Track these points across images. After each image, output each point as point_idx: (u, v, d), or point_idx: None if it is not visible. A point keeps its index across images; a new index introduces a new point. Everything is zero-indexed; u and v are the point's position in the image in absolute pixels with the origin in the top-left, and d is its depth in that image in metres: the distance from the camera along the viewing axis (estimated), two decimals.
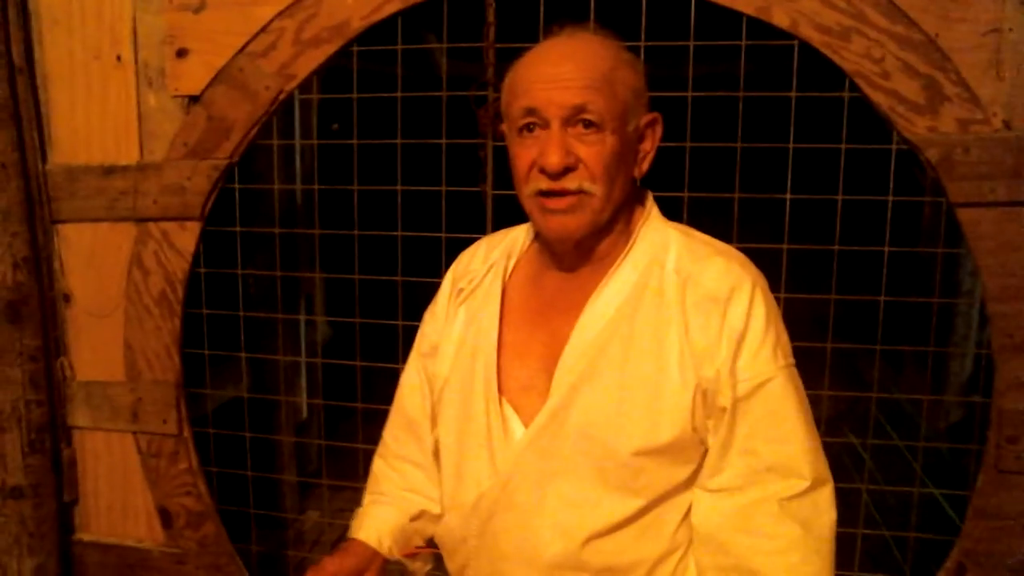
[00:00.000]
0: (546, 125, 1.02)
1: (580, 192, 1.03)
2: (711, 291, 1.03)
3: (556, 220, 1.05)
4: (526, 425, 1.08)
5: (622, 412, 1.03)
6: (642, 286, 1.07)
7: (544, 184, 1.03)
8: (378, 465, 1.32)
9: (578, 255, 1.11)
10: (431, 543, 1.26)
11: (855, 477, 2.04)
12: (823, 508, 1.03)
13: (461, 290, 1.21)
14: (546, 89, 1.01)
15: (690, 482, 1.06)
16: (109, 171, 1.80)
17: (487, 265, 1.21)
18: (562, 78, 1.01)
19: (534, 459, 1.06)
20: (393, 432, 1.31)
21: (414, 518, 1.25)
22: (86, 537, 1.99)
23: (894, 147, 1.56)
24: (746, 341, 1.02)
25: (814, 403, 1.26)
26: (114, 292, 1.85)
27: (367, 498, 1.30)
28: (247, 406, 2.06)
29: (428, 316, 1.28)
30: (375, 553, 1.19)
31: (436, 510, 1.24)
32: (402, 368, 1.32)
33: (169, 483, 1.90)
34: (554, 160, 1.00)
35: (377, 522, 1.22)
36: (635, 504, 1.04)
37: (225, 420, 2.06)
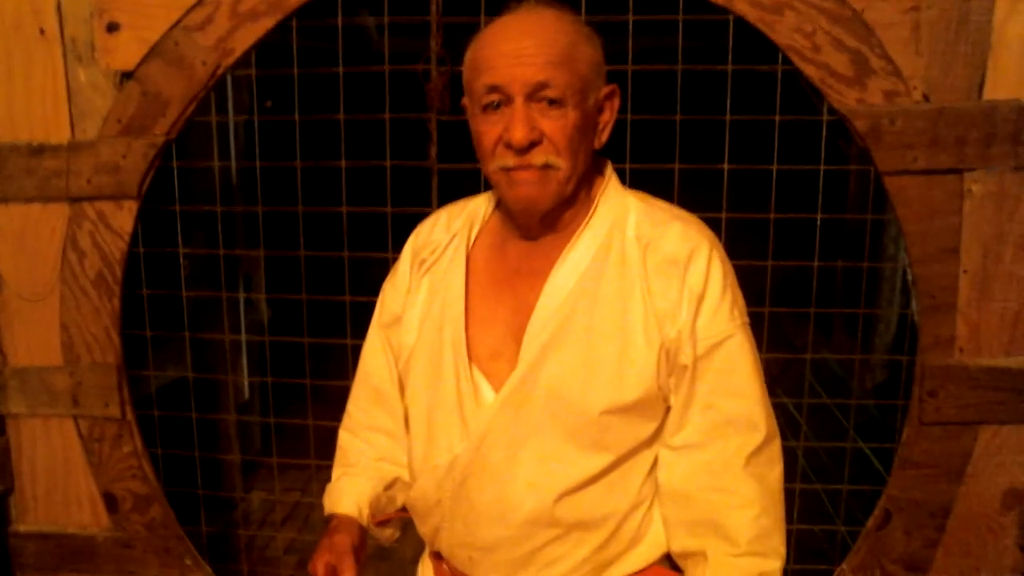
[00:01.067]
0: (509, 101, 1.04)
1: (546, 167, 1.05)
2: (671, 255, 1.08)
3: (524, 190, 1.07)
4: (496, 390, 1.11)
5: (590, 373, 1.07)
6: (605, 252, 1.11)
7: (511, 160, 1.05)
8: (345, 438, 1.32)
9: (542, 224, 1.13)
10: (403, 510, 1.28)
11: (790, 437, 2.14)
12: (775, 461, 1.09)
13: (423, 260, 1.22)
14: (509, 66, 1.03)
15: (654, 438, 1.11)
16: (38, 150, 1.74)
17: (449, 235, 1.22)
18: (524, 54, 1.03)
19: (506, 422, 1.09)
20: (359, 404, 1.32)
21: (388, 487, 1.27)
22: (23, 528, 1.94)
23: (825, 118, 1.63)
24: (705, 301, 1.07)
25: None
26: (48, 275, 1.80)
27: (336, 471, 1.31)
28: (191, 386, 2.03)
29: (388, 286, 1.28)
30: (360, 525, 1.21)
31: (408, 477, 1.26)
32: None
33: (114, 467, 1.86)
34: (520, 135, 1.03)
35: (354, 494, 1.24)
36: (604, 460, 1.08)
37: (165, 402, 2.03)
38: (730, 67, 1.66)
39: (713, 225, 1.72)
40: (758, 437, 1.07)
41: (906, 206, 1.60)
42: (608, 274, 1.09)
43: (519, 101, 1.03)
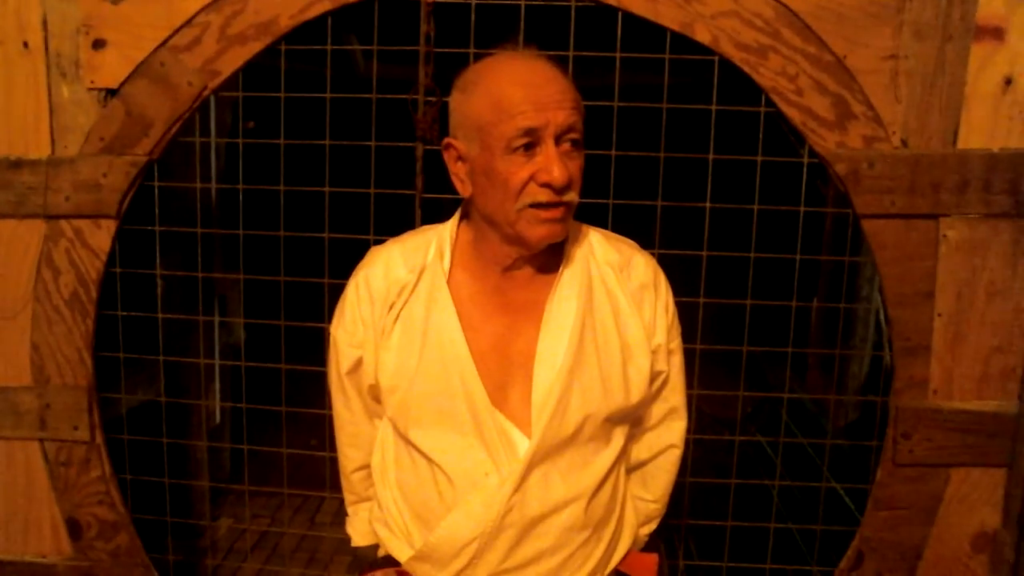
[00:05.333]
0: (539, 143, 1.09)
1: (570, 205, 1.13)
2: (642, 280, 1.25)
3: (548, 228, 1.13)
4: (512, 421, 1.17)
5: (605, 386, 1.19)
6: (588, 279, 1.20)
7: (544, 197, 1.10)
8: (356, 476, 1.41)
9: (539, 256, 1.20)
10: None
11: (763, 474, 2.14)
12: None
13: (392, 304, 1.22)
14: (543, 109, 1.08)
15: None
16: (16, 164, 1.71)
17: (414, 272, 1.22)
18: (554, 100, 1.09)
19: (544, 450, 1.17)
20: (343, 450, 1.40)
21: None
22: None
23: (806, 160, 1.66)
24: (669, 315, 1.27)
25: (729, 404, 1.54)
26: (21, 292, 1.76)
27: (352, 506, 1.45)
28: (163, 410, 1.99)
29: (340, 333, 1.28)
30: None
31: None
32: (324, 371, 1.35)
33: (79, 492, 1.81)
34: (563, 176, 1.09)
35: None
36: (610, 457, 1.22)
37: (132, 425, 1.98)
38: (714, 107, 1.68)
39: (693, 263, 1.76)
40: (685, 418, 1.35)
41: (883, 249, 1.63)
42: (598, 297, 1.21)
43: (551, 143, 1.09)
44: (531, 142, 1.09)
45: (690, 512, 1.90)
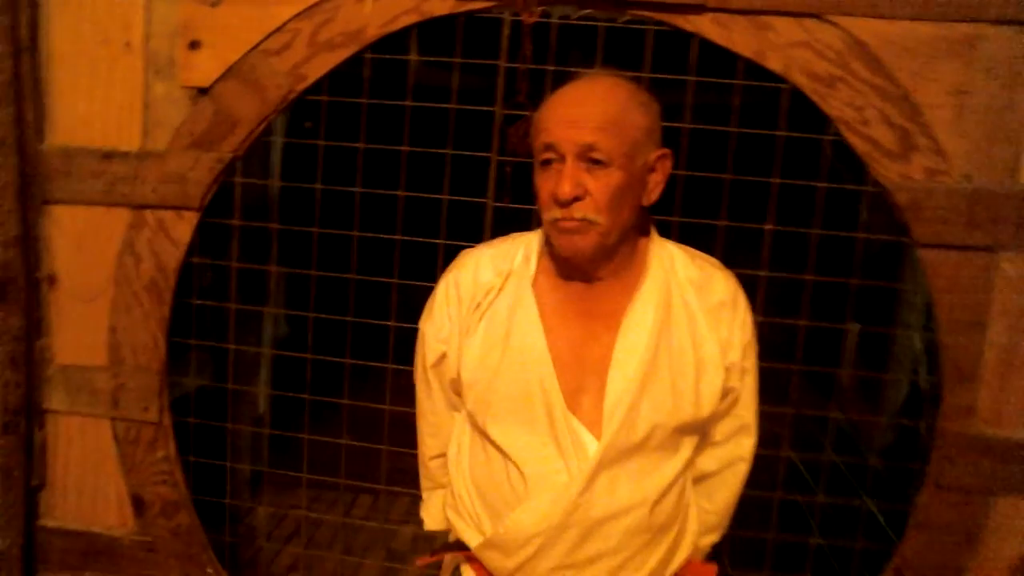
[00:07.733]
0: (562, 159, 1.17)
1: (584, 220, 1.17)
2: (721, 297, 1.29)
3: (567, 239, 1.19)
4: (584, 423, 1.21)
5: (676, 398, 1.24)
6: (667, 294, 1.25)
7: (558, 212, 1.18)
8: (434, 464, 1.47)
9: (597, 268, 1.24)
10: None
11: (798, 492, 2.18)
12: None
13: (479, 304, 1.29)
14: (563, 128, 1.16)
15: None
16: (108, 155, 1.79)
17: (500, 276, 1.29)
18: (576, 118, 1.16)
19: (612, 455, 1.22)
20: (423, 439, 1.47)
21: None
22: (51, 523, 1.96)
23: (868, 189, 1.71)
24: (746, 334, 1.30)
25: (778, 420, 1.53)
26: (102, 277, 1.84)
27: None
28: (228, 396, 2.06)
29: (428, 328, 1.36)
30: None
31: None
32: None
33: (145, 471, 1.89)
34: (565, 190, 1.15)
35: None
36: (678, 465, 1.27)
37: (183, 410, 2.05)
38: (782, 133, 1.74)
39: (752, 282, 1.80)
40: (754, 437, 1.36)
41: (938, 278, 1.67)
42: (676, 312, 1.26)
43: (569, 160, 1.16)
44: (554, 158, 1.17)
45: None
